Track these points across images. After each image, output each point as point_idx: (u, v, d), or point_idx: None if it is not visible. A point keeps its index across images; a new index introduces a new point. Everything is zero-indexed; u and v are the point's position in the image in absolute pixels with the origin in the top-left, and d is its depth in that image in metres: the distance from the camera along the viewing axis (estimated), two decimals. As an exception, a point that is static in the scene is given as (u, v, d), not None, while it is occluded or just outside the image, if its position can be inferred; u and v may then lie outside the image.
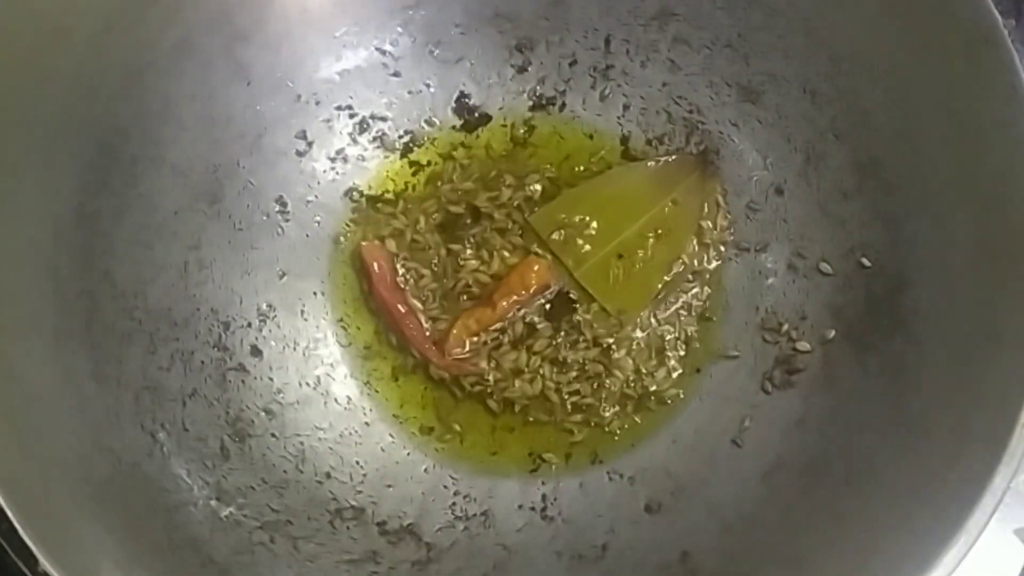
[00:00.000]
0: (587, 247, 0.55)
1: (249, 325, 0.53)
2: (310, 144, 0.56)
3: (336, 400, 0.54)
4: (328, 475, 0.52)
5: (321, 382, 0.54)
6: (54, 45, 0.44)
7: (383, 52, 0.56)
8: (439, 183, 0.58)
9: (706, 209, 0.56)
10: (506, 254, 0.56)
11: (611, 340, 0.55)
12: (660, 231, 0.56)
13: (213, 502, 0.47)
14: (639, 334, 0.55)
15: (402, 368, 0.55)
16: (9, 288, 0.43)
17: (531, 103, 0.58)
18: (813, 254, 0.53)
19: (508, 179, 0.57)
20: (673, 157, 0.57)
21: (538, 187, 0.57)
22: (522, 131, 0.58)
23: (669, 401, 0.54)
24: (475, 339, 0.54)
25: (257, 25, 0.52)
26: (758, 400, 0.52)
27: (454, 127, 0.58)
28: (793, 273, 0.54)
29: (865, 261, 0.50)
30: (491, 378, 0.54)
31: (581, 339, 0.55)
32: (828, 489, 0.47)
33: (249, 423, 0.51)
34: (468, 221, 0.57)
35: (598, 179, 0.57)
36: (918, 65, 0.47)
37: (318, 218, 0.56)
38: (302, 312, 0.55)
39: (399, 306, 0.55)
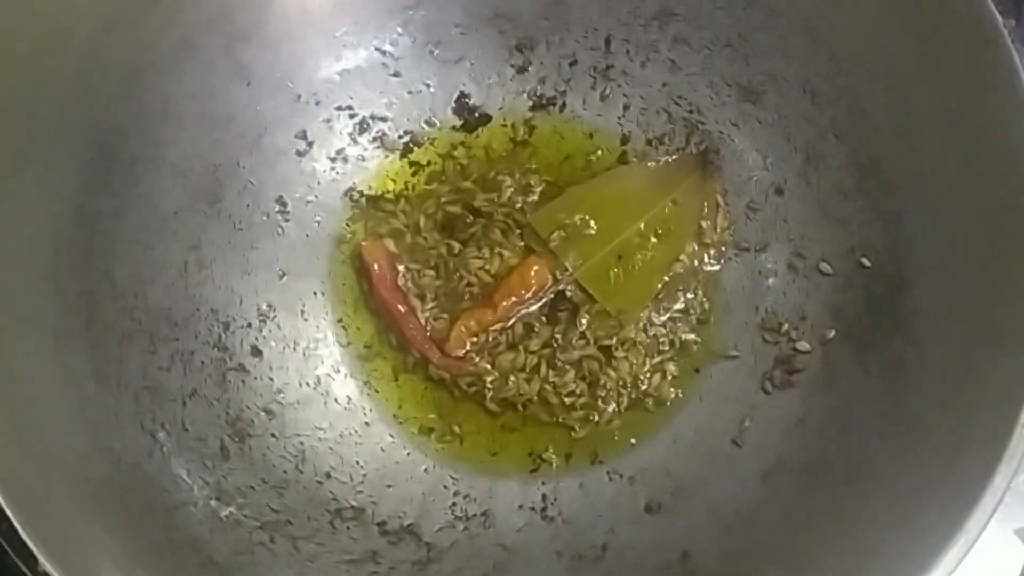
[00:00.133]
0: (587, 247, 0.55)
1: (249, 325, 0.53)
2: (310, 144, 0.56)
3: (336, 400, 0.54)
4: (328, 475, 0.52)
5: (321, 382, 0.54)
6: (54, 45, 0.44)
7: (383, 52, 0.56)
8: (439, 183, 0.58)
9: (706, 209, 0.56)
10: (506, 254, 0.56)
11: (611, 340, 0.55)
12: (660, 231, 0.56)
13: (213, 502, 0.47)
14: (639, 334, 0.55)
15: (402, 368, 0.55)
16: (9, 288, 0.43)
17: (531, 103, 0.58)
18: (813, 254, 0.53)
19: (508, 179, 0.57)
20: (673, 157, 0.57)
21: (538, 187, 0.57)
22: (522, 131, 0.58)
23: (669, 402, 0.54)
24: (475, 339, 0.54)
25: (257, 25, 0.52)
26: (758, 400, 0.52)
27: (454, 127, 0.58)
28: (793, 273, 0.54)
29: (865, 261, 0.51)
30: (490, 378, 0.54)
31: (581, 339, 0.55)
32: (828, 489, 0.47)
33: (249, 423, 0.51)
34: (468, 221, 0.57)
35: (598, 179, 0.57)
36: (918, 65, 0.47)
37: (318, 218, 0.56)
38: (302, 312, 0.55)
39: (399, 306, 0.55)
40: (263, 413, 0.52)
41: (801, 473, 0.49)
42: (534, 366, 0.54)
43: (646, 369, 0.55)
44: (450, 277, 0.56)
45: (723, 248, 0.56)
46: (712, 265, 0.56)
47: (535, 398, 0.54)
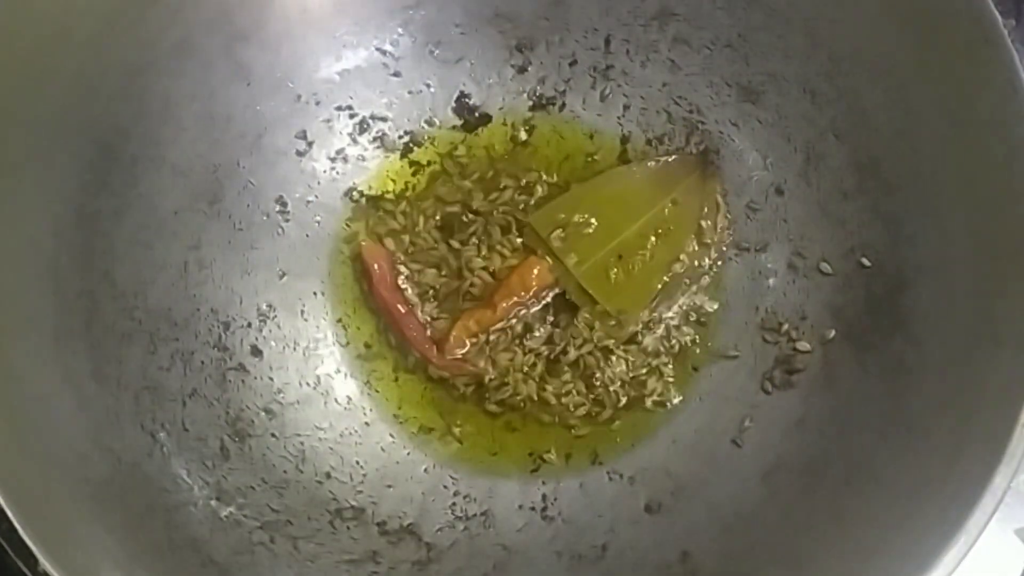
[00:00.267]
0: (587, 247, 0.55)
1: (249, 325, 0.53)
2: (310, 144, 0.56)
3: (336, 400, 0.54)
4: (328, 475, 0.52)
5: (321, 382, 0.54)
6: (54, 45, 0.44)
7: (383, 52, 0.56)
8: (439, 183, 0.58)
9: (706, 209, 0.56)
10: (506, 254, 0.56)
11: (611, 341, 0.55)
12: (660, 231, 0.56)
13: (213, 502, 0.47)
14: (639, 335, 0.55)
15: (402, 368, 0.55)
16: (9, 288, 0.43)
17: (531, 103, 0.58)
18: (813, 254, 0.53)
19: (508, 179, 0.57)
20: (673, 157, 0.57)
21: (538, 187, 0.57)
22: (522, 131, 0.58)
23: (669, 402, 0.54)
24: (475, 339, 0.54)
25: (257, 25, 0.52)
26: (758, 400, 0.52)
27: (454, 127, 0.58)
28: (793, 273, 0.54)
29: (865, 261, 0.50)
30: (490, 378, 0.54)
31: (581, 340, 0.55)
32: (828, 489, 0.47)
33: (249, 423, 0.51)
34: (468, 221, 0.57)
35: (598, 179, 0.57)
36: (918, 65, 0.47)
37: (318, 218, 0.56)
38: (302, 312, 0.55)
39: (399, 306, 0.55)
40: (263, 413, 0.52)
41: (801, 473, 0.49)
42: (534, 366, 0.54)
43: (646, 369, 0.55)
44: (450, 277, 0.56)
45: (723, 248, 0.56)
46: (712, 265, 0.56)
47: (535, 398, 0.54)
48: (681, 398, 0.54)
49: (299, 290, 0.55)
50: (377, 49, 0.56)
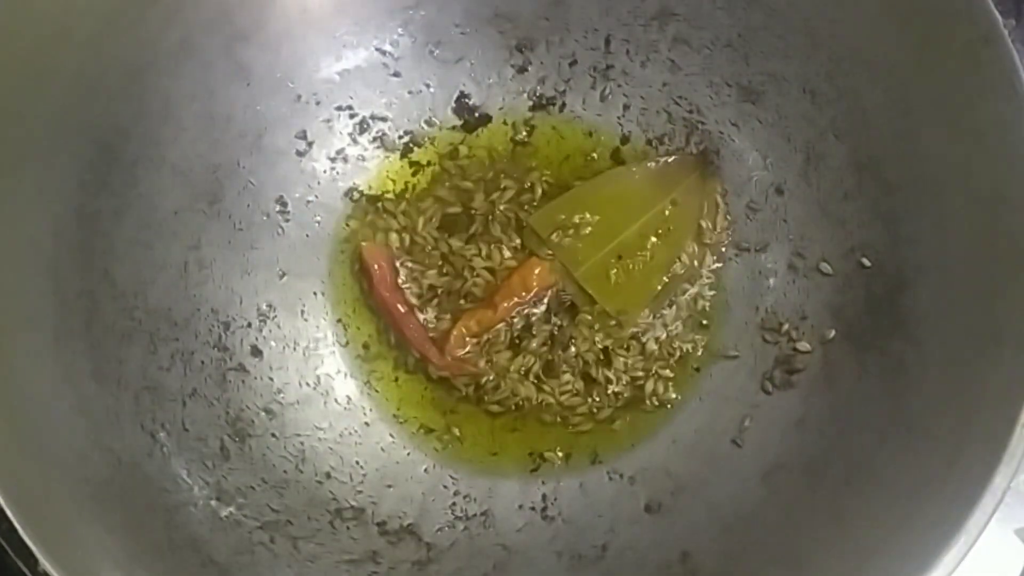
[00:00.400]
0: (587, 248, 0.55)
1: (249, 325, 0.53)
2: (310, 144, 0.56)
3: (336, 400, 0.54)
4: (328, 475, 0.52)
5: (321, 382, 0.54)
6: (54, 45, 0.44)
7: (383, 52, 0.56)
8: (439, 183, 0.58)
9: (706, 209, 0.56)
10: (506, 255, 0.56)
11: (611, 341, 0.55)
12: (660, 231, 0.56)
13: (213, 502, 0.47)
14: (639, 335, 0.55)
15: (402, 368, 0.55)
16: (9, 288, 0.43)
17: (531, 103, 0.58)
18: (813, 254, 0.53)
19: (508, 179, 0.57)
20: (673, 157, 0.57)
21: (538, 187, 0.57)
22: (522, 131, 0.58)
23: (669, 402, 0.54)
24: (475, 340, 0.54)
25: (257, 25, 0.52)
26: (758, 400, 0.52)
27: (454, 127, 0.58)
28: (793, 273, 0.54)
29: (865, 261, 0.50)
30: (490, 378, 0.54)
31: (581, 340, 0.55)
32: (828, 489, 0.47)
33: (249, 423, 0.51)
34: (468, 221, 0.57)
35: (598, 179, 0.57)
36: (918, 65, 0.47)
37: (318, 218, 0.56)
38: (302, 312, 0.55)
39: (399, 306, 0.55)
40: (263, 413, 0.52)
41: (801, 473, 0.49)
42: (534, 366, 0.55)
43: (646, 369, 0.55)
44: (450, 277, 0.56)
45: (723, 248, 0.56)
46: (712, 265, 0.56)
47: (535, 398, 0.54)
48: (681, 398, 0.54)
49: (299, 290, 0.55)
50: (377, 49, 0.56)
